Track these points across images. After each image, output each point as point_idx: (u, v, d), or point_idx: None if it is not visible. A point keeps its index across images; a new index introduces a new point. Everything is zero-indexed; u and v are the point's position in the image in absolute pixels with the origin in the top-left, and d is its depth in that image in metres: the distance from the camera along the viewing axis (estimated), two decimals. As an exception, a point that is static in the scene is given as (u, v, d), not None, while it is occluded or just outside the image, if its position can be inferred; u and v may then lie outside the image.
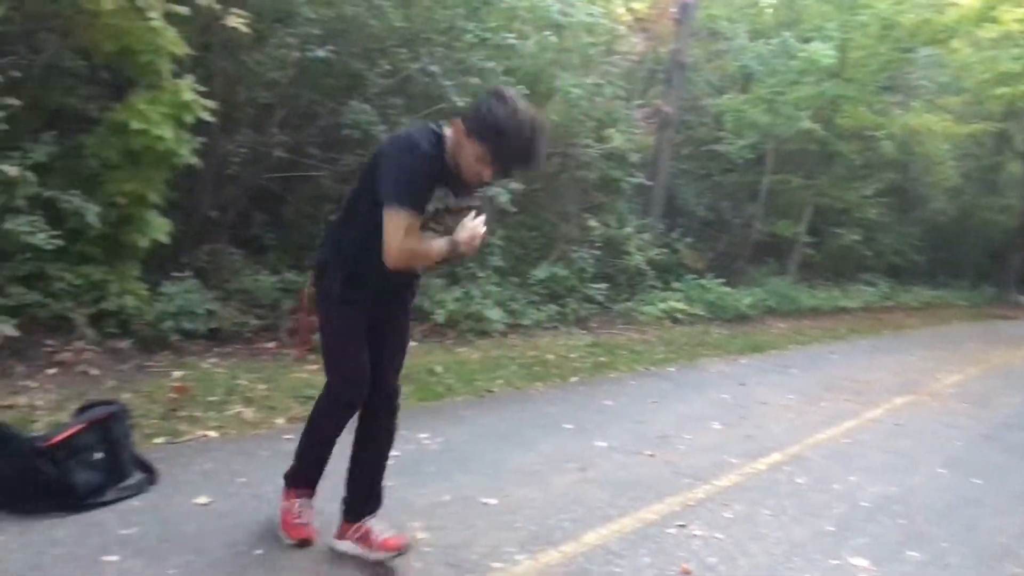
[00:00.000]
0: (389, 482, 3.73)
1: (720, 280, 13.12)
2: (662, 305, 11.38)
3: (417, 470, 4.41)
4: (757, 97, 14.32)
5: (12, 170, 4.31)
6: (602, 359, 8.01)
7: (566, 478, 4.71)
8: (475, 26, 7.77)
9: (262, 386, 5.35)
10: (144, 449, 4.09)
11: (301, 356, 6.01)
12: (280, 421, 4.82)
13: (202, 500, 3.67)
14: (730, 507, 4.66)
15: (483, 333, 8.00)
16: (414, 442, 4.79)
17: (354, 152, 7.02)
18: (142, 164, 5.35)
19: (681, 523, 4.32)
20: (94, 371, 4.95)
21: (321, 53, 6.10)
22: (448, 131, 3.10)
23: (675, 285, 12.57)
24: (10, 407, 4.18)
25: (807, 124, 14.20)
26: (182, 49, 5.29)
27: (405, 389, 5.83)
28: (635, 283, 11.77)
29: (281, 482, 3.53)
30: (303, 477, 3.49)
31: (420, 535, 3.69)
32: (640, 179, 11.42)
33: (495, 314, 8.09)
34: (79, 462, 3.40)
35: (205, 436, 4.40)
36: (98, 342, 5.26)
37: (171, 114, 5.30)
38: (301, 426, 4.73)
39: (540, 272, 9.45)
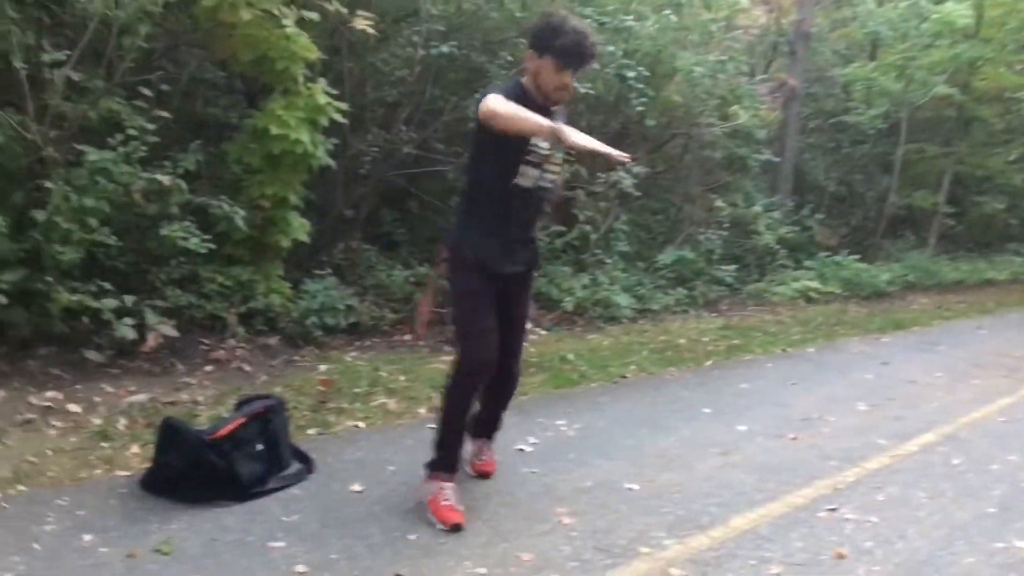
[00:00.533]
0: (532, 468, 3.83)
1: (855, 256, 12.67)
2: (795, 284, 11.07)
3: (557, 456, 4.44)
4: (887, 64, 13.72)
5: (165, 179, 4.55)
6: (735, 342, 7.86)
7: (709, 462, 4.65)
8: (592, 11, 7.72)
9: (402, 377, 5.49)
10: (299, 440, 4.27)
11: (417, 340, 6.15)
12: (422, 411, 4.94)
13: (357, 488, 3.79)
14: (882, 490, 4.51)
15: (612, 319, 7.98)
16: (552, 429, 4.83)
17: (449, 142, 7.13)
18: (282, 167, 5.56)
19: (831, 507, 4.21)
20: (247, 367, 5.19)
21: (445, 49, 6.19)
22: (524, 79, 3.50)
23: (807, 264, 12.20)
24: (173, 403, 4.43)
25: (942, 89, 13.52)
26: (314, 54, 5.46)
27: (539, 377, 5.96)
28: (765, 263, 11.49)
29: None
30: (444, 462, 3.64)
31: (566, 520, 3.72)
32: (767, 156, 11.14)
33: (623, 300, 8.05)
34: (243, 454, 3.58)
35: (355, 426, 4.55)
36: (248, 339, 5.50)
37: (307, 118, 5.48)
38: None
39: (667, 256, 9.35)
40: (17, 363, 4.43)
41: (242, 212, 5.12)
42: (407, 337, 6.39)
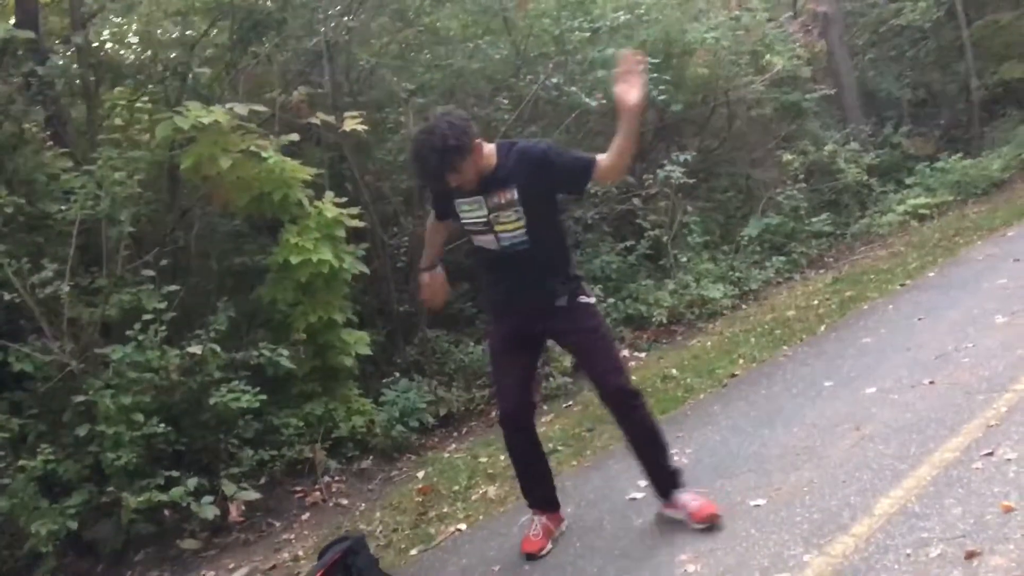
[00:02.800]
0: (646, 517, 3.75)
1: (958, 155, 11.76)
2: (900, 208, 10.30)
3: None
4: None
5: (196, 349, 4.47)
6: (848, 294, 7.25)
7: (841, 444, 4.17)
8: (579, 22, 7.43)
9: (502, 457, 5.18)
10: (402, 563, 4.03)
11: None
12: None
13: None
14: (1043, 412, 3.93)
15: (712, 315, 7.51)
16: (664, 463, 4.42)
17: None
18: (316, 292, 5.44)
19: (987, 451, 3.67)
20: (344, 501, 5.01)
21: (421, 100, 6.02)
22: None
23: (908, 181, 11.39)
24: (274, 568, 4.26)
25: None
26: (307, 173, 5.35)
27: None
28: (863, 197, 10.76)
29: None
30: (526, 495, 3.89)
31: (691, 568, 3.33)
32: (822, 90, 10.49)
33: (717, 291, 7.58)
34: (333, 608, 3.36)
35: (457, 531, 4.27)
36: (343, 470, 5.34)
37: (323, 235, 5.36)
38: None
39: (751, 229, 8.81)
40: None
41: (285, 352, 4.98)
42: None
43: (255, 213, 5.44)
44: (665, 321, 7.31)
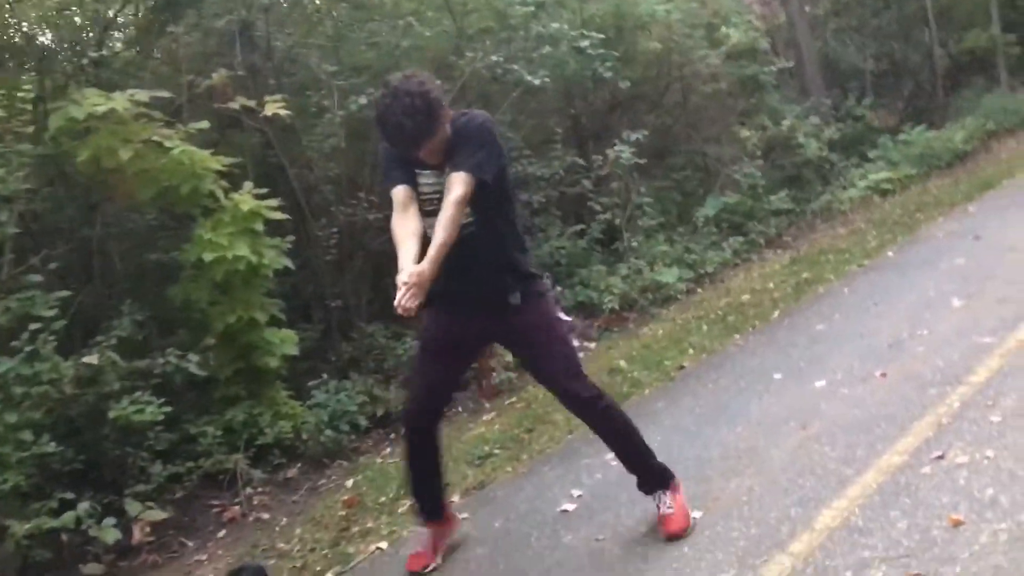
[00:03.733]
0: (575, 532, 3.53)
1: (921, 127, 11.54)
2: (862, 183, 10.06)
3: (607, 505, 3.74)
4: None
5: (92, 359, 4.11)
6: (805, 275, 6.99)
7: (786, 444, 3.90)
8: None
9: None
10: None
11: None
12: (455, 499, 4.31)
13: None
14: (996, 406, 3.70)
15: (666, 300, 7.22)
16: (601, 469, 4.11)
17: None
18: (235, 290, 5.08)
19: (938, 454, 3.42)
20: (265, 515, 4.68)
21: (363, 100, 5.63)
22: None
23: (871, 155, 11.15)
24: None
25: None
26: (219, 163, 4.98)
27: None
28: (824, 172, 10.50)
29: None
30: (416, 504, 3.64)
31: (613, 592, 3.04)
32: (781, 63, 10.19)
33: (670, 275, 7.28)
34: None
35: (377, 550, 3.96)
36: (267, 479, 5.01)
37: (240, 230, 5.00)
38: (476, 496, 4.32)
39: (707, 209, 8.52)
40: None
41: (195, 358, 4.63)
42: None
43: (165, 207, 5.07)
44: (617, 308, 7.01)
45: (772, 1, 11.25)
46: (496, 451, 4.80)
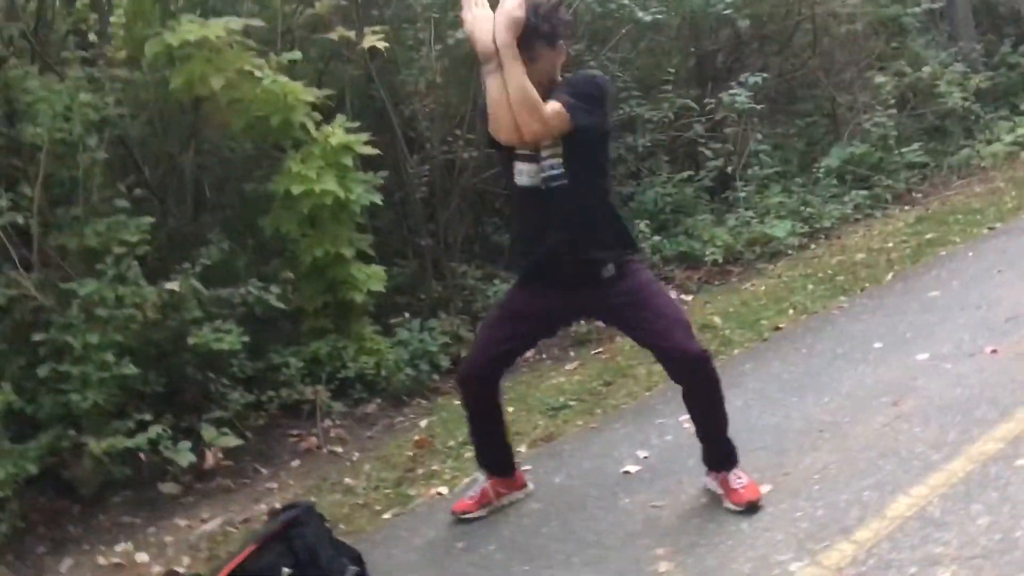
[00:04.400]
0: (635, 495, 3.40)
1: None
2: (1009, 138, 9.24)
3: (672, 470, 3.58)
4: None
5: (173, 285, 4.17)
6: (929, 236, 6.50)
7: (873, 422, 3.63)
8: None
9: (511, 409, 4.80)
10: (368, 531, 3.72)
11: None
12: (522, 448, 4.23)
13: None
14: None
15: (775, 255, 6.86)
16: (672, 431, 3.95)
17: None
18: (323, 223, 5.09)
19: (1038, 445, 3.09)
20: (339, 448, 4.72)
21: (460, 34, 5.46)
22: None
23: (1024, 107, 10.24)
24: (246, 521, 4.00)
25: None
26: (311, 95, 4.94)
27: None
28: (969, 124, 9.70)
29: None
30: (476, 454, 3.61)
31: (663, 566, 2.90)
32: (926, 3, 9.40)
33: (782, 228, 6.91)
34: (265, 587, 3.06)
35: (437, 494, 3.93)
36: (347, 413, 5.05)
37: (329, 163, 4.97)
38: (543, 448, 4.23)
39: (831, 159, 8.01)
40: (88, 520, 4.21)
41: (276, 290, 4.66)
42: (528, 353, 5.68)
43: (258, 138, 5.08)
44: (720, 260, 6.71)
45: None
46: (571, 403, 4.69)
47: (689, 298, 6.31)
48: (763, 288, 6.10)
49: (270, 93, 4.79)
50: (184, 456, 4.18)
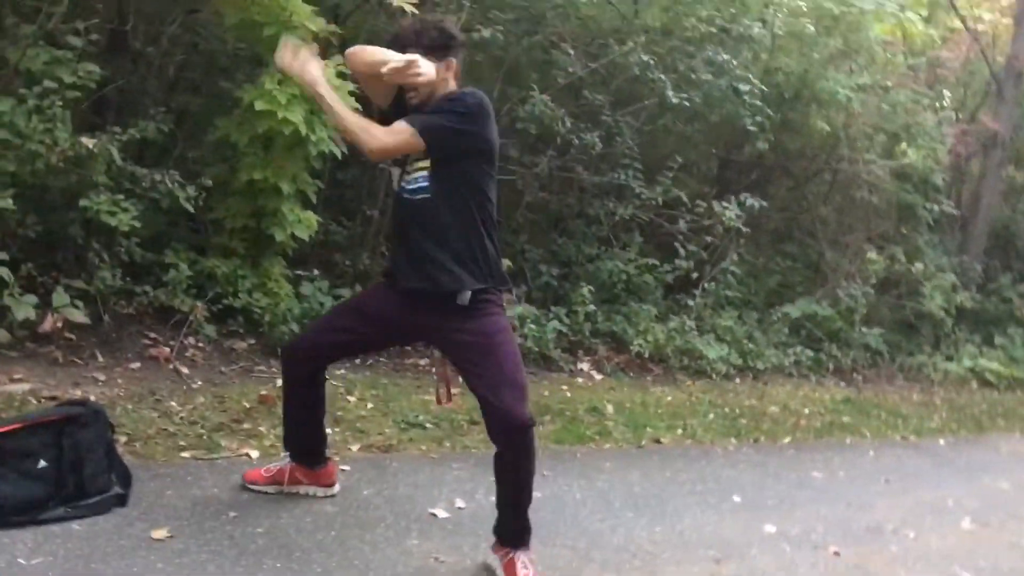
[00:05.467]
0: (419, 537, 3.25)
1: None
2: (969, 363, 9.24)
3: (474, 531, 3.40)
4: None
5: (90, 142, 3.97)
6: (845, 419, 6.41)
7: (687, 570, 3.47)
8: (709, 13, 6.63)
9: (368, 406, 4.64)
10: (158, 462, 3.53)
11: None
12: (353, 449, 4.06)
13: (160, 534, 2.97)
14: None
15: (699, 373, 6.75)
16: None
17: (533, 149, 6.22)
18: (275, 150, 4.91)
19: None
20: (185, 370, 4.52)
21: (486, 33, 5.34)
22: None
23: (998, 342, 10.23)
24: (54, 399, 3.79)
25: None
26: (318, 25, 4.77)
27: (550, 426, 4.92)
28: (939, 334, 9.68)
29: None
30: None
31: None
32: (949, 207, 9.39)
33: (716, 352, 6.80)
34: (14, 470, 2.87)
35: (246, 456, 3.74)
36: (213, 341, 4.85)
37: (302, 95, 4.79)
38: (373, 459, 4.06)
39: (793, 309, 7.93)
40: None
41: (190, 192, 4.47)
42: (424, 362, 5.53)
43: (243, 40, 4.90)
44: (645, 355, 6.59)
45: (971, 142, 10.35)
46: (428, 425, 4.57)
47: (598, 377, 6.18)
48: (669, 398, 5.98)
49: (275, 3, 4.62)
50: (23, 310, 3.99)
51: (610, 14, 6.67)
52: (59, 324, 4.06)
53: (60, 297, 4.11)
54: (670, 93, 6.23)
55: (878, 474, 5.23)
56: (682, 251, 7.18)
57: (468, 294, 2.91)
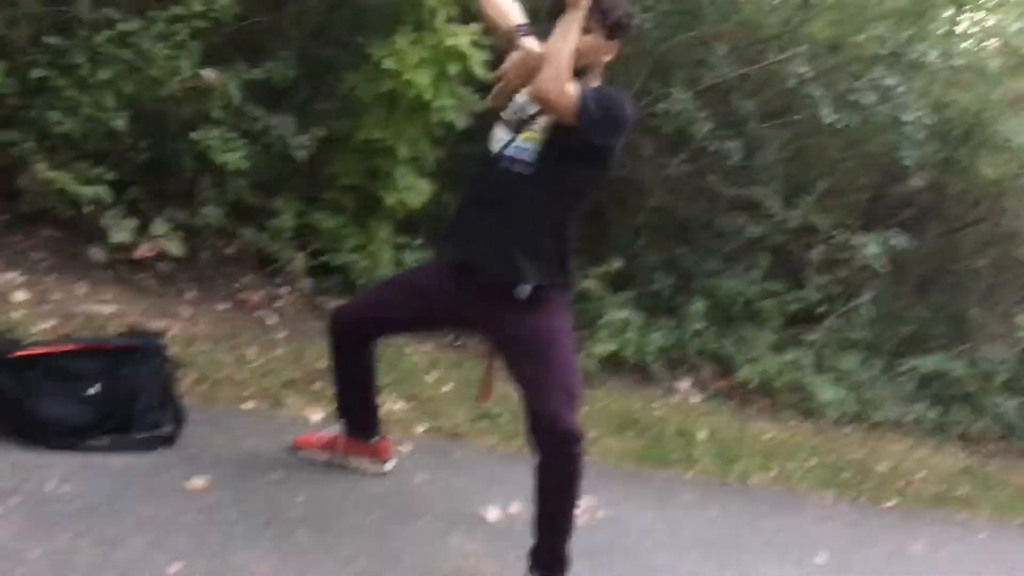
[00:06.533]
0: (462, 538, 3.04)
1: None
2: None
3: (521, 542, 3.17)
4: None
5: (212, 75, 3.92)
6: (962, 491, 5.83)
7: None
8: (882, 35, 6.12)
9: (445, 387, 4.46)
10: (220, 408, 3.45)
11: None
12: (419, 430, 3.90)
13: (197, 483, 2.87)
14: None
15: (808, 414, 6.28)
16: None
17: (666, 150, 5.87)
18: (398, 112, 4.77)
19: None
20: (271, 321, 4.45)
21: (646, 22, 5.05)
22: None
23: None
24: (131, 325, 3.75)
25: None
26: (455, -12, 4.60)
27: (635, 441, 4.64)
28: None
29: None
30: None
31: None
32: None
33: (831, 393, 6.30)
34: (60, 390, 2.81)
35: (306, 418, 3.62)
36: (306, 295, 4.77)
37: (432, 58, 4.64)
38: (439, 443, 3.88)
39: (926, 362, 7.30)
40: (5, 236, 4.04)
41: (303, 140, 4.37)
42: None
43: (384, -2, 4.77)
44: (752, 385, 6.18)
45: None
46: (505, 415, 4.29)
47: (696, 399, 5.83)
48: (768, 435, 5.57)
49: (415, -42, 4.47)
50: (120, 232, 4.00)
51: (773, 19, 6.25)
52: (152, 252, 4.03)
53: (160, 226, 4.10)
54: (825, 112, 5.77)
55: (988, 560, 4.71)
56: (811, 281, 6.70)
57: (528, 288, 2.67)
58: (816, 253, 6.71)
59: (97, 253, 4.09)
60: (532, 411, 2.68)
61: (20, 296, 3.69)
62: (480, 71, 4.80)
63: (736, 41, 6.09)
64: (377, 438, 3.29)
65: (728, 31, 6.06)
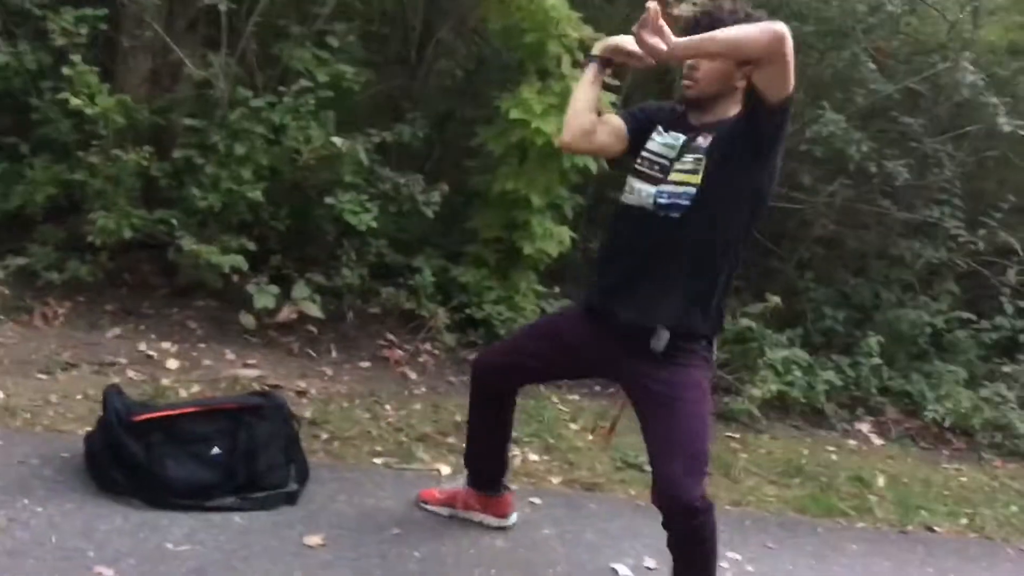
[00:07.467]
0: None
1: None
2: None
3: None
4: None
5: (341, 143, 4.04)
6: None
7: None
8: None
9: (588, 437, 4.31)
10: (349, 463, 3.47)
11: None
12: (554, 481, 3.77)
13: (314, 540, 2.87)
14: None
15: (1013, 454, 5.61)
16: (724, 559, 3.27)
17: (825, 177, 5.50)
18: (529, 161, 4.77)
19: None
20: (413, 375, 4.48)
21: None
22: None
23: None
24: (278, 387, 3.87)
25: None
26: (581, 32, 4.55)
27: (800, 489, 4.29)
28: None
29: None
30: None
31: None
32: None
33: (1039, 428, 5.62)
34: (183, 452, 2.90)
35: (437, 471, 3.58)
36: (449, 349, 4.79)
37: (560, 104, 4.59)
38: (572, 495, 3.73)
39: None
40: (164, 308, 4.31)
41: (435, 197, 4.41)
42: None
43: (507, 47, 4.79)
44: (943, 425, 5.60)
45: None
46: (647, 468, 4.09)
47: (878, 442, 5.34)
48: (963, 479, 5.00)
49: (539, 7, 4.47)
50: (263, 298, 4.15)
51: (936, 27, 5.79)
52: (294, 316, 4.17)
53: (300, 289, 4.24)
54: (1002, 120, 5.25)
55: None
56: (1008, 308, 6.05)
57: (665, 338, 2.48)
58: (1011, 276, 6.09)
59: (246, 319, 4.27)
60: (654, 472, 2.53)
61: (172, 364, 3.91)
62: (610, 111, 4.73)
63: (901, 54, 5.69)
64: (501, 492, 3.20)
65: (886, 45, 5.68)
